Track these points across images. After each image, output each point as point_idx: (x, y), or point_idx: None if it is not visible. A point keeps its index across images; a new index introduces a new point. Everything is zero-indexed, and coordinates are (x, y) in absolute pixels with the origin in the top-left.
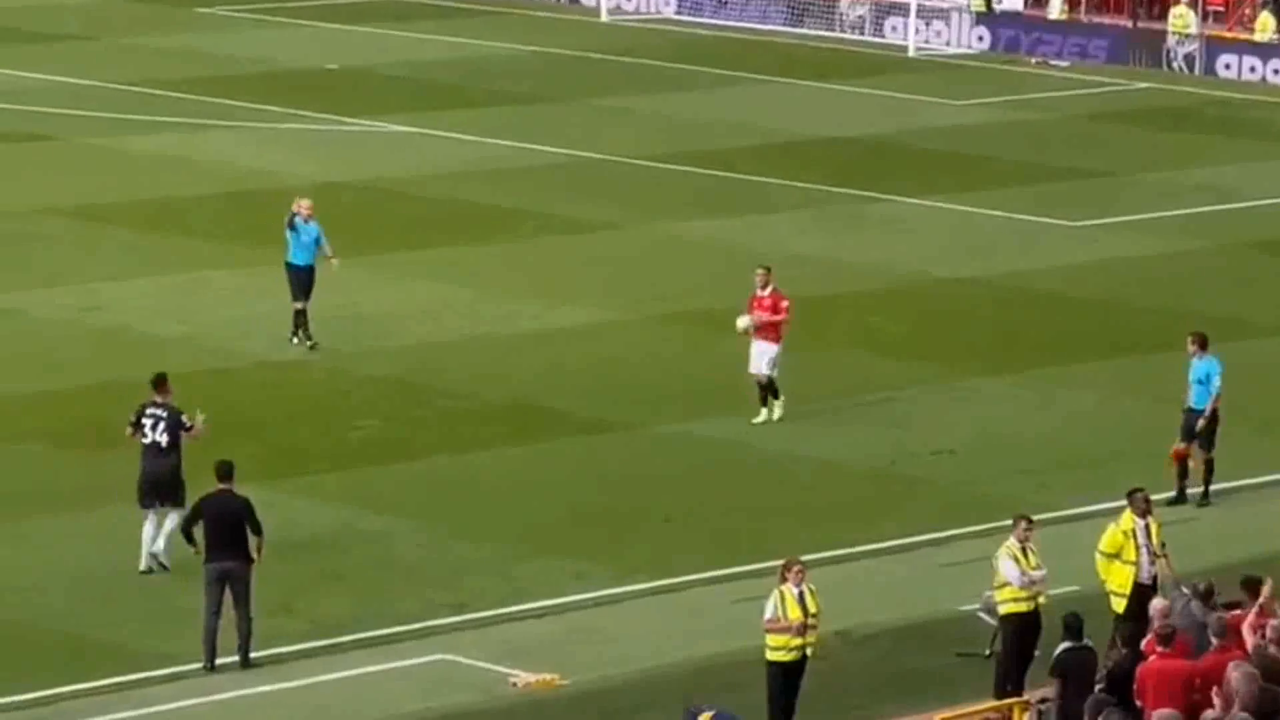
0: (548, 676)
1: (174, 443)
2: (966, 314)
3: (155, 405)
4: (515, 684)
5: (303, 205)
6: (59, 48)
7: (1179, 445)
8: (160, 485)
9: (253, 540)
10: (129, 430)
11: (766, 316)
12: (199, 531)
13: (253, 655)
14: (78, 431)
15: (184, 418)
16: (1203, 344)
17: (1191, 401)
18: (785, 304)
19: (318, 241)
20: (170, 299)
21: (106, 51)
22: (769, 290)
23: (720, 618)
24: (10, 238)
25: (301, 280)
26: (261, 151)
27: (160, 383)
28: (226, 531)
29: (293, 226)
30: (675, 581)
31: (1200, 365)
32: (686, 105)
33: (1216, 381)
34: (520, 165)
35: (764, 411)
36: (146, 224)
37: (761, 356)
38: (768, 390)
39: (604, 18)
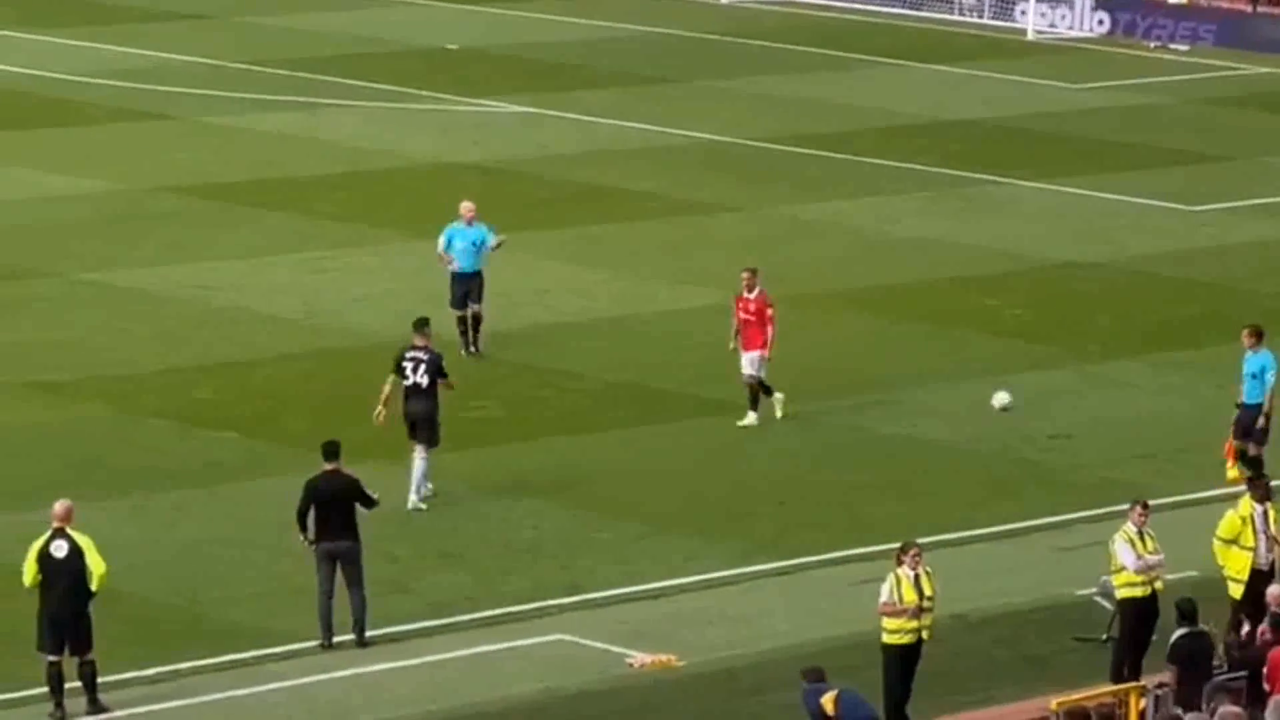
0: (665, 657)
1: (433, 385)
2: (1085, 298)
3: (415, 349)
4: (632, 664)
5: (465, 208)
6: (181, 26)
7: (1234, 441)
8: (419, 424)
9: (364, 513)
10: (392, 375)
11: (745, 316)
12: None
13: (369, 634)
14: (198, 409)
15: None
16: (1259, 337)
17: (1244, 396)
18: (770, 310)
19: (481, 244)
20: (290, 278)
21: (228, 30)
22: (755, 292)
23: (837, 600)
24: (132, 216)
25: (468, 286)
26: (382, 131)
27: (421, 325)
28: (336, 512)
29: (450, 243)
30: (792, 564)
31: (1255, 359)
32: (807, 87)
33: (1270, 377)
34: (642, 146)
35: (751, 415)
36: (267, 203)
37: (747, 360)
38: (758, 391)
39: (725, 0)
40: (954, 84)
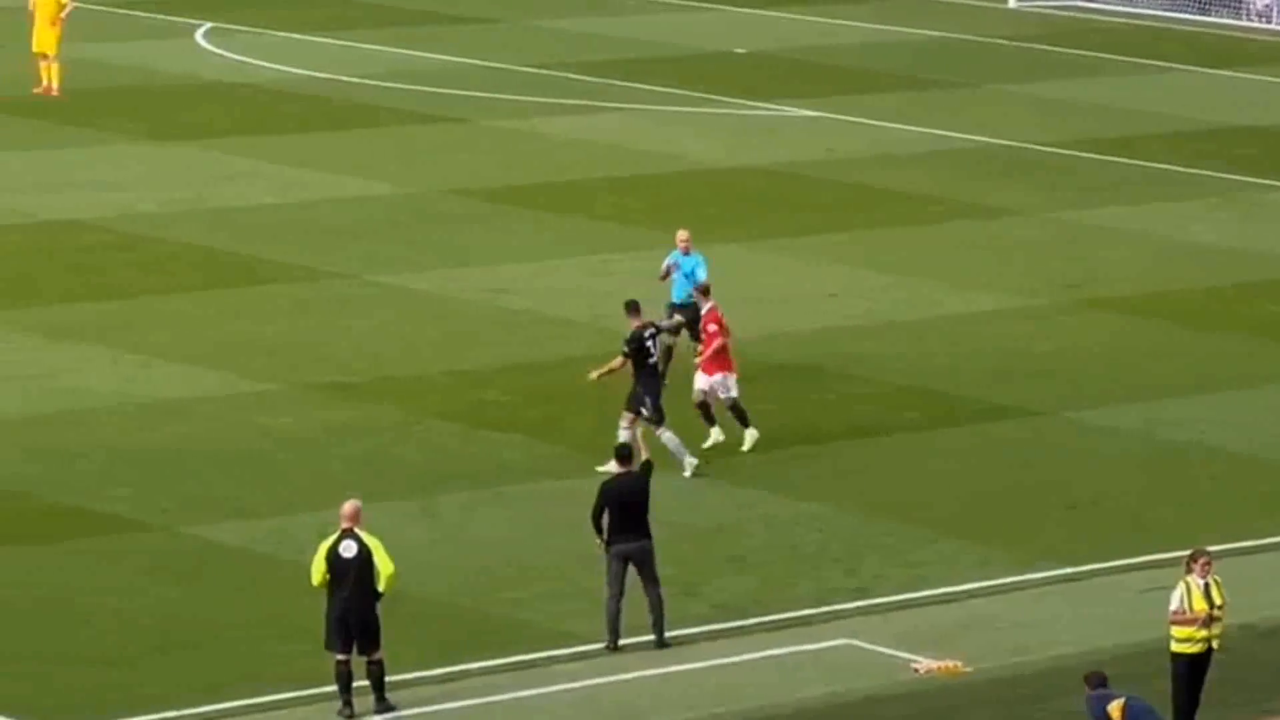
0: (951, 663)
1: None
2: None
3: (652, 326)
4: (918, 670)
5: (681, 237)
6: (469, 30)
7: None
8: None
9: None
10: (619, 359)
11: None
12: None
13: (655, 636)
14: (485, 411)
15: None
16: None
17: None
18: (713, 327)
19: (692, 274)
20: (575, 281)
21: (515, 34)
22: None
23: (1125, 608)
24: (421, 219)
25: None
26: (668, 135)
27: (634, 308)
28: (630, 513)
29: (668, 271)
30: (1079, 570)
31: None
32: (1093, 92)
33: None
34: (928, 150)
35: (713, 433)
36: (553, 206)
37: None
38: (738, 414)
39: (1011, 4)
40: (1241, 89)
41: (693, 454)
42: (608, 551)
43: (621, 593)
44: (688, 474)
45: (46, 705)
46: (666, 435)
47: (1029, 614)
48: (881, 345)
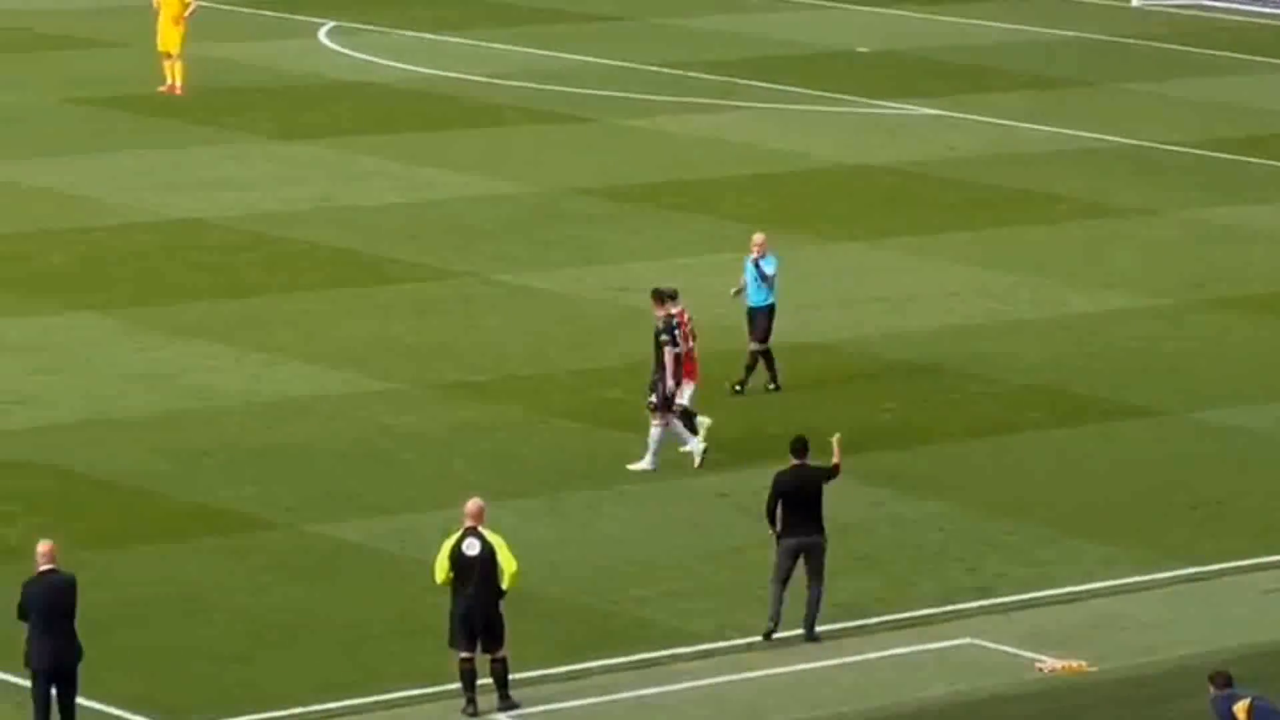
0: (1075, 663)
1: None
2: None
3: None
4: (1042, 669)
5: (754, 241)
6: (595, 29)
7: None
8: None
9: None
10: (666, 341)
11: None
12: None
13: (780, 636)
14: (609, 409)
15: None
16: None
17: None
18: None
19: (770, 278)
20: (699, 280)
21: (642, 33)
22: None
23: (1251, 608)
24: (547, 218)
25: (755, 320)
26: (792, 134)
27: (670, 296)
28: (803, 506)
29: (756, 266)
30: (1205, 570)
31: None
32: (1219, 91)
33: None
34: (1053, 149)
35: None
36: (679, 205)
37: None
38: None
39: (1134, 2)
40: None
41: (657, 461)
42: (779, 544)
43: (785, 583)
44: (699, 461)
45: (172, 701)
46: (672, 423)
47: (1154, 614)
48: (1006, 345)
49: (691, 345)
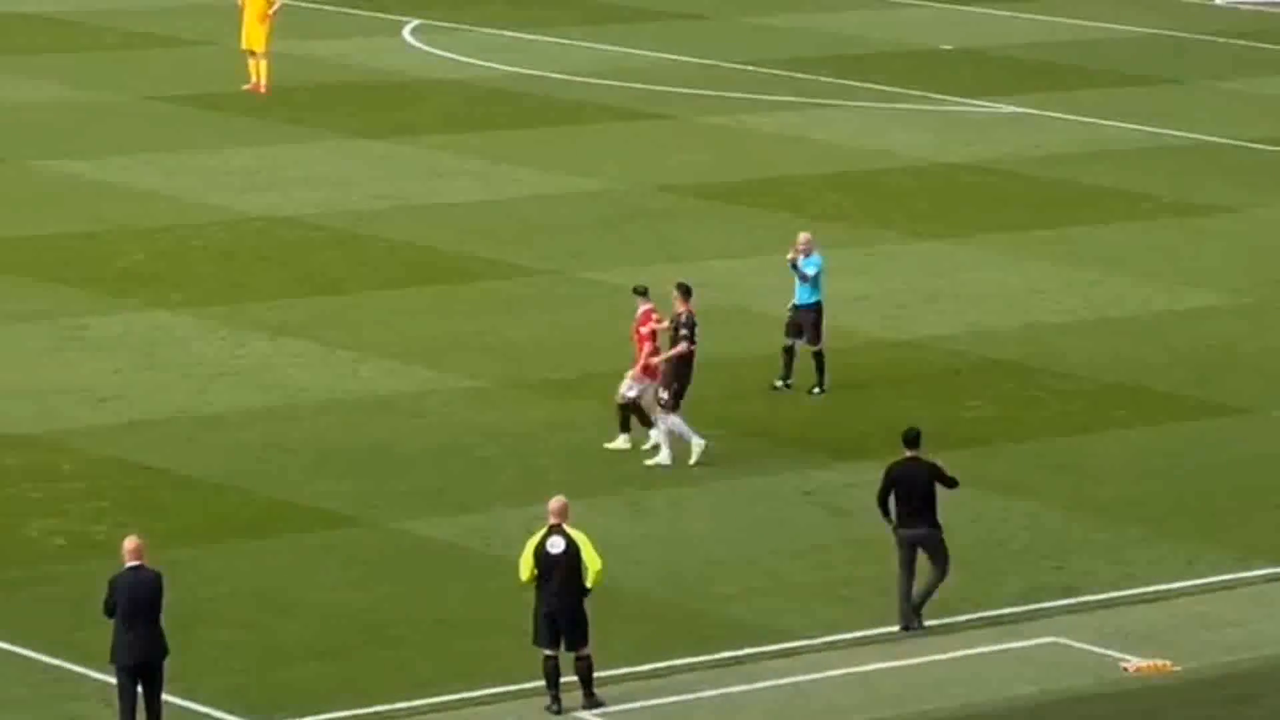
0: (1160, 662)
1: None
2: None
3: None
4: (1127, 669)
5: (801, 239)
6: (679, 26)
7: None
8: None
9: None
10: (684, 345)
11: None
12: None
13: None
14: (693, 406)
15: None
16: None
17: None
18: (645, 329)
19: (816, 279)
20: (784, 278)
21: (726, 30)
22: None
23: None
24: (630, 216)
25: (803, 322)
26: (877, 131)
27: (685, 290)
28: (918, 498)
29: (794, 265)
30: None
31: None
32: None
33: None
34: (1136, 147)
35: (621, 438)
36: (761, 203)
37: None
38: (630, 413)
39: (1220, 0)
40: None
41: (669, 456)
42: (895, 535)
43: (913, 572)
44: (695, 459)
45: (259, 699)
46: (673, 420)
47: (1240, 613)
48: (1090, 342)
49: (656, 345)
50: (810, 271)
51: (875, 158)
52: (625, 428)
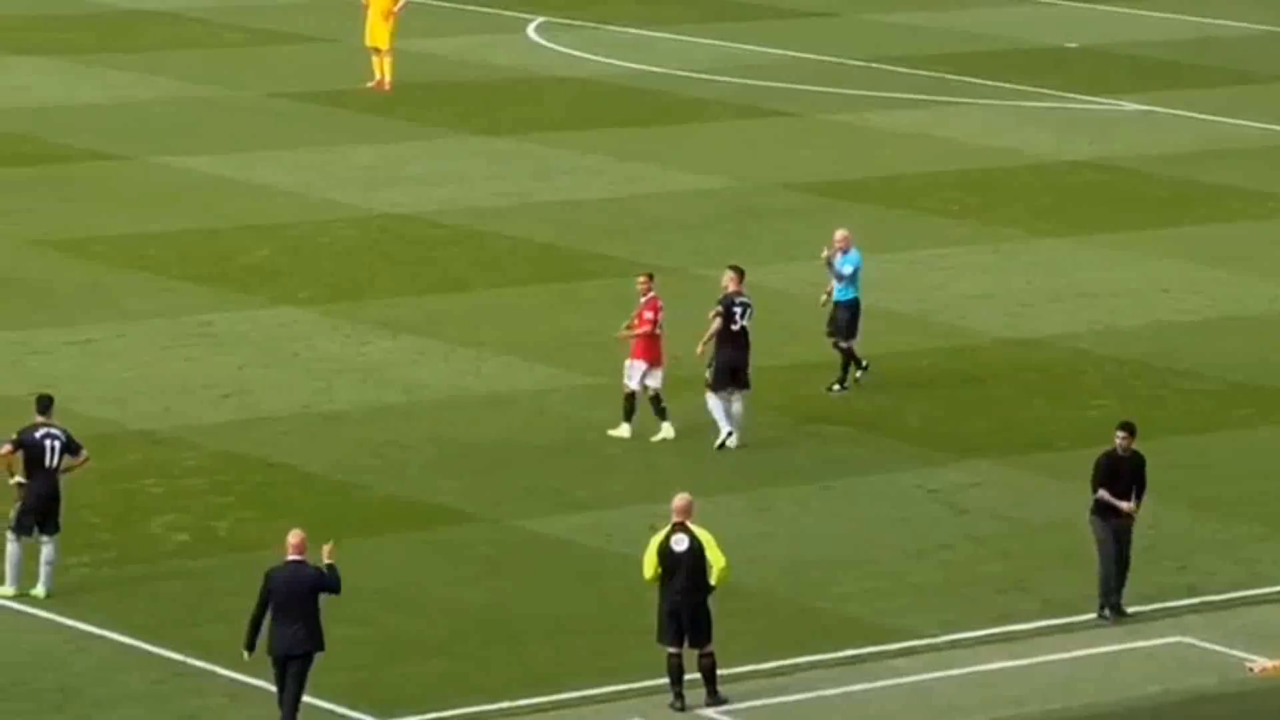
0: None
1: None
2: None
3: (743, 295)
4: (1252, 669)
5: (837, 236)
6: (801, 24)
7: None
8: (740, 370)
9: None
10: (719, 314)
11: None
12: None
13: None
14: (816, 405)
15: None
16: None
17: None
18: (649, 315)
19: (854, 276)
20: (905, 275)
21: (848, 28)
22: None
23: None
24: (752, 213)
25: (839, 318)
26: (1000, 129)
27: (740, 271)
28: (1125, 488)
29: (829, 263)
30: None
31: None
32: None
33: None
34: (1258, 145)
35: (624, 425)
36: (883, 200)
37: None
38: (640, 403)
39: None
40: None
41: (736, 434)
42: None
43: (1112, 560)
44: (719, 443)
45: (380, 695)
46: (710, 401)
47: None
48: (1214, 341)
49: (656, 332)
50: (847, 270)
51: (998, 156)
52: (628, 417)
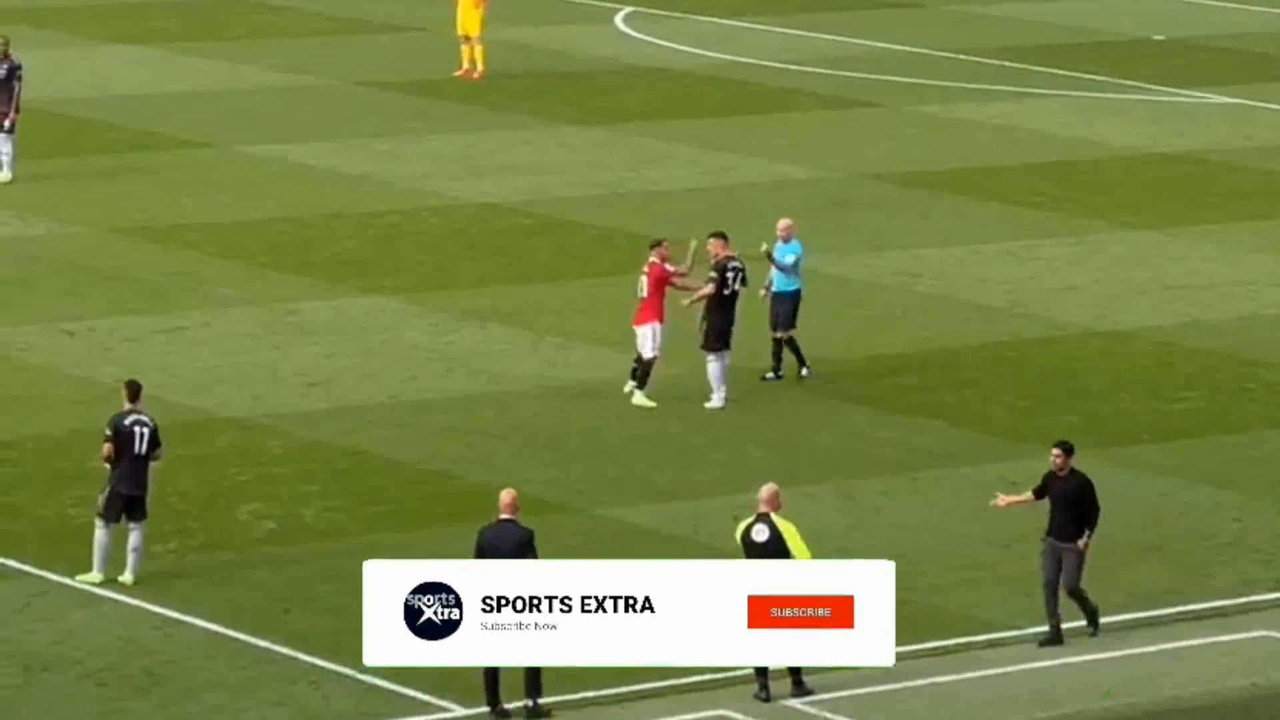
0: None
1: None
2: None
3: (734, 259)
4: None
5: (779, 226)
6: (890, 15)
7: None
8: (727, 333)
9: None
10: (709, 285)
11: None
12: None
13: (1070, 625)
14: (903, 396)
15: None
16: None
17: None
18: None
19: (795, 265)
20: (994, 267)
21: (937, 19)
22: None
23: None
24: (839, 204)
25: (776, 308)
26: (1087, 121)
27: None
28: (1067, 509)
29: (769, 256)
30: None
31: None
32: None
33: None
34: None
35: (631, 383)
36: (971, 191)
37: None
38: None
39: None
40: None
41: (725, 393)
42: (1044, 540)
43: (1048, 584)
44: (709, 405)
45: (467, 684)
46: (710, 364)
47: None
48: None
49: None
50: (789, 260)
51: (1085, 148)
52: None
